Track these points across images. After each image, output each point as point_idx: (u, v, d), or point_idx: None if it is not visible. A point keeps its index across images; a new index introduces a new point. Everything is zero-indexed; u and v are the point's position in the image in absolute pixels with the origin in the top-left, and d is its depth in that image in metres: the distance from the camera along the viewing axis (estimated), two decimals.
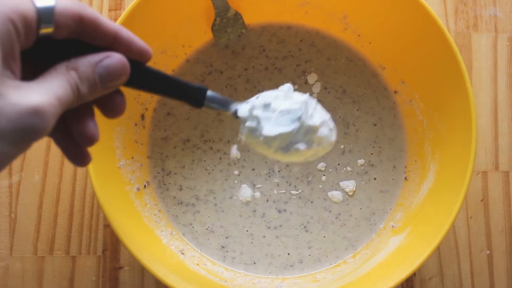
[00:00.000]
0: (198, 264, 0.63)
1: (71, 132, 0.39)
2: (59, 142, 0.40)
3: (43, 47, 0.35)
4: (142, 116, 0.67)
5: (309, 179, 0.68)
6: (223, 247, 0.65)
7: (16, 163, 0.67)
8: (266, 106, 0.46)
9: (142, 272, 0.66)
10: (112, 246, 0.66)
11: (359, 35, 0.69)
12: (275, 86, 0.70)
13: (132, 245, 0.55)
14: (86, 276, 0.66)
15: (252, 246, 0.66)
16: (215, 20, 0.66)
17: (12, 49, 0.32)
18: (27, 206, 0.67)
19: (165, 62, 0.67)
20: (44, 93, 0.33)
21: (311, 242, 0.66)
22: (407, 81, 0.68)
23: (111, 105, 0.40)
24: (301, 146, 0.46)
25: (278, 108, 0.45)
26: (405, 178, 0.68)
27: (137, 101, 0.66)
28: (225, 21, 0.67)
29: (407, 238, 0.62)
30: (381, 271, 0.60)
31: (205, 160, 0.68)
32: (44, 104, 0.32)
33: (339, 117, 0.69)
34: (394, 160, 0.68)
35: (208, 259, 0.65)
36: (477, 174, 0.70)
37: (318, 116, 0.46)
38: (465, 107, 0.59)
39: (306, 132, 0.45)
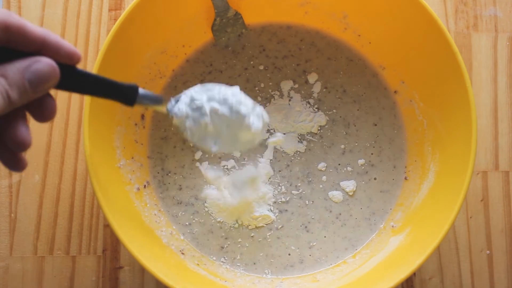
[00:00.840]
0: (198, 264, 0.63)
1: (2, 138, 0.39)
2: None
3: None
4: (142, 116, 0.67)
5: (310, 179, 0.68)
6: (222, 247, 0.65)
7: None
8: (197, 104, 0.49)
9: (142, 272, 0.66)
10: (112, 246, 0.66)
11: (359, 35, 0.69)
12: (275, 85, 0.70)
13: (132, 245, 0.55)
14: (86, 276, 0.66)
15: (252, 246, 0.66)
16: (215, 20, 0.66)
17: None
18: (27, 206, 0.67)
19: (165, 62, 0.67)
20: None
21: (312, 242, 0.66)
22: (407, 81, 0.68)
23: (42, 109, 0.40)
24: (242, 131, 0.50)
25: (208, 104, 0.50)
26: (405, 178, 0.68)
27: None
28: (225, 21, 0.67)
29: (407, 238, 0.62)
30: (381, 271, 0.60)
31: (204, 160, 0.68)
32: None
33: (340, 116, 0.69)
34: (394, 160, 0.68)
35: (208, 259, 0.65)
36: (477, 174, 0.70)
37: (246, 104, 0.51)
38: (465, 107, 0.59)
39: (239, 121, 0.49)
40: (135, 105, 0.45)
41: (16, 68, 0.36)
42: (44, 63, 0.37)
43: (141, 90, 0.45)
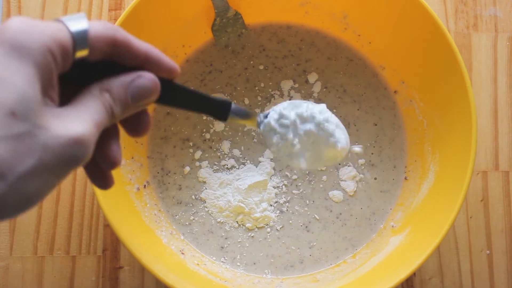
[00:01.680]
0: (198, 264, 0.63)
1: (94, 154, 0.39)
2: (86, 167, 0.40)
3: (76, 68, 0.36)
4: None
5: (310, 178, 0.68)
6: (222, 247, 0.65)
7: None
8: (285, 118, 0.49)
9: (142, 272, 0.66)
10: (112, 246, 0.66)
11: (359, 35, 0.69)
12: (275, 85, 0.70)
13: (132, 245, 0.55)
14: (86, 276, 0.66)
15: (252, 246, 0.66)
16: (215, 20, 0.66)
17: (51, 78, 0.32)
18: None
19: None
20: (83, 120, 0.33)
21: (312, 242, 0.66)
22: (407, 81, 0.68)
23: (138, 124, 0.40)
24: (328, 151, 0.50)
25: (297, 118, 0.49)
26: (405, 178, 0.68)
27: None
28: (225, 21, 0.67)
29: (407, 238, 0.62)
30: (381, 271, 0.60)
31: (204, 160, 0.68)
32: (85, 133, 0.32)
33: (340, 116, 0.69)
34: (394, 160, 0.68)
35: (208, 259, 0.65)
36: (477, 174, 0.70)
37: (333, 121, 0.51)
38: (465, 107, 0.59)
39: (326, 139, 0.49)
40: (228, 120, 0.45)
41: (120, 83, 0.36)
42: (147, 78, 0.37)
43: (233, 106, 0.45)
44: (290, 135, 0.49)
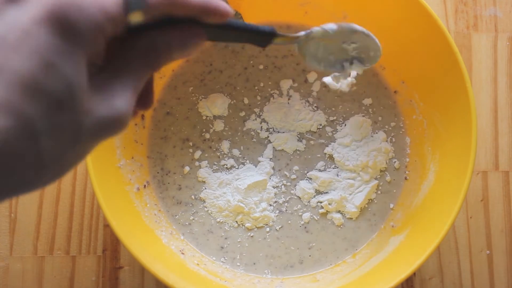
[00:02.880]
0: (198, 264, 0.63)
1: None
2: None
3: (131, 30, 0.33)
4: (142, 116, 0.67)
5: (310, 178, 0.68)
6: (222, 247, 0.65)
7: None
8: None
9: (142, 272, 0.66)
10: (112, 246, 0.66)
11: None
12: (275, 84, 0.70)
13: (132, 245, 0.55)
14: (86, 276, 0.66)
15: (252, 247, 0.66)
16: None
17: (99, 53, 0.30)
18: (27, 206, 0.67)
19: None
20: (125, 92, 0.31)
21: (312, 242, 0.66)
22: (407, 81, 0.68)
23: (147, 95, 0.38)
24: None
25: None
26: (405, 178, 0.68)
27: None
28: None
29: (407, 238, 0.62)
30: (381, 271, 0.60)
31: (204, 160, 0.68)
32: (126, 112, 0.31)
33: (340, 115, 0.69)
34: (395, 160, 0.68)
35: (208, 259, 0.65)
36: (477, 174, 0.70)
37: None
38: (465, 107, 0.59)
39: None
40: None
41: (167, 41, 0.34)
42: (198, 35, 0.35)
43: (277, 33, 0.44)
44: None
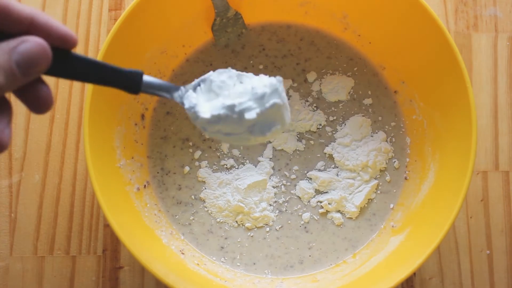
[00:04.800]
0: (198, 264, 0.63)
1: None
2: None
3: None
4: (142, 116, 0.67)
5: (309, 178, 0.68)
6: (222, 247, 0.65)
7: (16, 163, 0.67)
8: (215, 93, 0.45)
9: (142, 272, 0.66)
10: (112, 246, 0.66)
11: (359, 35, 0.69)
12: None
13: (132, 245, 0.55)
14: (86, 276, 0.66)
15: (252, 247, 0.66)
16: (215, 20, 0.66)
17: None
18: (27, 206, 0.67)
19: (165, 62, 0.67)
20: None
21: (312, 242, 0.66)
22: (407, 81, 0.68)
23: (37, 99, 0.37)
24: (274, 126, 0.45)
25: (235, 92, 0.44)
26: (405, 178, 0.68)
27: (137, 101, 0.66)
28: (225, 21, 0.67)
29: (407, 238, 0.62)
30: (381, 271, 0.60)
31: (204, 160, 0.68)
32: None
33: (339, 115, 0.69)
34: (395, 160, 0.68)
35: (208, 259, 0.65)
36: (477, 174, 0.70)
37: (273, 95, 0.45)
38: (465, 107, 0.59)
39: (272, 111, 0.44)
40: (140, 93, 0.42)
41: (2, 50, 0.33)
42: (33, 42, 0.34)
43: (146, 77, 0.41)
44: (229, 114, 0.43)
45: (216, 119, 0.43)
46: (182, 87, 0.45)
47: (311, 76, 0.70)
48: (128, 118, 0.65)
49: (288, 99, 0.69)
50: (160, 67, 0.67)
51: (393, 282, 0.56)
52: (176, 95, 0.44)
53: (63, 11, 0.71)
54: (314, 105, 0.69)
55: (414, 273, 0.67)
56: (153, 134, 0.68)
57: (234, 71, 0.45)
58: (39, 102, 0.37)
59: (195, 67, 0.69)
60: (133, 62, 0.63)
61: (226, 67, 0.69)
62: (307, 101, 0.69)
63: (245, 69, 0.70)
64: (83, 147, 0.58)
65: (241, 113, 0.43)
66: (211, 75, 0.45)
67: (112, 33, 0.58)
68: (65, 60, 0.37)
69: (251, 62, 0.70)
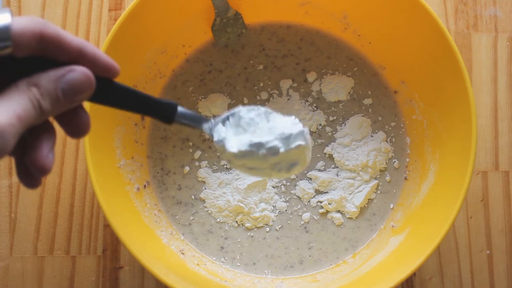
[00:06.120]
0: (198, 264, 0.63)
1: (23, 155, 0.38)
2: (18, 162, 0.39)
3: (4, 65, 0.35)
4: (142, 116, 0.67)
5: (309, 178, 0.68)
6: (222, 247, 0.65)
7: None
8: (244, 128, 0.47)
9: (142, 272, 0.66)
10: (112, 246, 0.66)
11: (359, 35, 0.69)
12: (274, 84, 0.70)
13: (132, 245, 0.55)
14: (86, 276, 0.66)
15: (252, 247, 0.66)
16: (215, 20, 0.66)
17: None
18: (27, 206, 0.67)
19: (165, 62, 0.67)
20: (4, 112, 0.32)
21: (311, 242, 0.66)
22: (407, 81, 0.68)
23: (76, 124, 0.39)
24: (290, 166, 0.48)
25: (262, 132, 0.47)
26: (405, 178, 0.68)
27: None
28: (225, 21, 0.67)
29: (407, 238, 0.62)
30: (381, 271, 0.60)
31: (204, 160, 0.68)
32: (4, 124, 0.32)
33: (339, 114, 0.69)
34: (395, 160, 0.68)
35: (208, 259, 0.65)
36: (477, 174, 0.70)
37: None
38: (465, 107, 0.59)
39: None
40: (174, 124, 0.44)
41: (50, 77, 0.35)
42: (80, 72, 0.36)
43: (180, 109, 0.43)
44: (256, 151, 0.46)
45: (243, 154, 0.46)
46: (212, 120, 0.47)
47: (311, 76, 0.70)
48: (128, 118, 0.65)
49: (288, 99, 0.69)
50: (160, 67, 0.67)
51: (393, 282, 0.56)
52: (206, 127, 0.46)
53: (63, 11, 0.71)
54: (314, 105, 0.69)
55: (414, 273, 0.67)
56: (153, 134, 0.68)
57: (263, 108, 0.48)
58: (77, 127, 0.40)
59: (195, 67, 0.69)
60: (133, 62, 0.63)
61: (226, 67, 0.69)
62: (307, 101, 0.69)
63: (245, 69, 0.70)
64: (83, 147, 0.58)
65: (267, 151, 0.46)
66: (240, 110, 0.47)
67: (112, 33, 0.58)
68: (107, 89, 0.39)
69: (251, 62, 0.70)
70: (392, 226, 0.65)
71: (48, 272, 0.66)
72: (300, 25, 0.70)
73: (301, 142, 0.46)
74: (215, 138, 0.46)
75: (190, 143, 0.68)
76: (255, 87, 0.69)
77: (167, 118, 0.43)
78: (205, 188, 0.67)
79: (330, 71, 0.70)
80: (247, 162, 0.47)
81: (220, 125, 0.47)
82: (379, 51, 0.69)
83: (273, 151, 0.46)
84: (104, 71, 0.39)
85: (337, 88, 0.69)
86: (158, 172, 0.67)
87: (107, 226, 0.67)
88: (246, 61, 0.70)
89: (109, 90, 0.39)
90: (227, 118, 0.47)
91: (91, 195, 0.67)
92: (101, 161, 0.58)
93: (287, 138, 0.46)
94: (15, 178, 0.67)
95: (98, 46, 0.70)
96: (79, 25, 0.71)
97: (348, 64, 0.70)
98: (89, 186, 0.68)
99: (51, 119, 0.39)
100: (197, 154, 0.68)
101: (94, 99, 0.39)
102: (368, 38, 0.69)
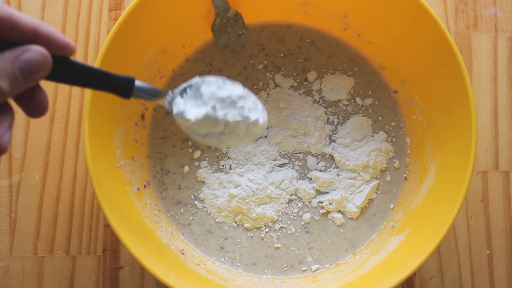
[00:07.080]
0: (198, 264, 0.63)
1: None
2: None
3: None
4: (142, 116, 0.67)
5: (310, 178, 0.68)
6: (222, 247, 0.65)
7: (16, 163, 0.67)
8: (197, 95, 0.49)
9: (142, 272, 0.66)
10: (112, 246, 0.66)
11: (359, 35, 0.69)
12: (275, 84, 0.70)
13: (132, 245, 0.55)
14: (86, 276, 0.66)
15: (252, 246, 0.66)
16: (215, 20, 0.66)
17: None
18: (27, 206, 0.67)
19: (165, 62, 0.67)
20: None
21: (312, 243, 0.66)
22: (407, 81, 0.68)
23: (34, 104, 0.40)
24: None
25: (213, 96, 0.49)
26: (405, 178, 0.68)
27: (137, 101, 0.66)
28: (225, 21, 0.67)
29: (407, 238, 0.62)
30: (381, 271, 0.60)
31: (203, 160, 0.68)
32: None
33: (339, 114, 0.69)
34: (395, 160, 0.68)
35: (208, 259, 0.65)
36: (477, 174, 0.70)
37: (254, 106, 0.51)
38: (465, 107, 0.59)
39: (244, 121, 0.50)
40: (132, 98, 0.45)
41: (6, 58, 0.36)
42: (35, 51, 0.37)
43: (137, 83, 0.45)
44: (212, 114, 0.48)
45: (202, 122, 0.48)
46: (170, 92, 0.48)
47: (311, 75, 0.70)
48: (128, 118, 0.65)
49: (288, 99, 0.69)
50: (160, 67, 0.67)
51: (393, 282, 0.56)
52: (165, 100, 0.48)
53: (63, 11, 0.71)
54: (315, 104, 0.69)
55: (414, 273, 0.67)
56: (153, 134, 0.68)
57: (220, 80, 0.50)
58: (36, 107, 0.40)
59: (195, 67, 0.69)
60: (133, 62, 0.63)
61: (226, 67, 0.69)
62: (307, 100, 0.69)
63: (244, 68, 0.70)
64: (83, 147, 0.58)
65: (226, 117, 0.48)
66: (198, 83, 0.49)
67: (112, 33, 0.58)
68: (64, 67, 0.40)
69: (251, 61, 0.70)
70: (392, 226, 0.65)
71: (48, 272, 0.66)
72: (300, 25, 0.70)
73: (257, 104, 0.50)
74: (175, 111, 0.48)
75: (190, 143, 0.68)
76: (255, 87, 0.69)
77: (125, 93, 0.44)
78: (205, 188, 0.67)
79: (330, 70, 0.70)
80: (205, 130, 0.49)
81: (178, 98, 0.48)
82: (379, 51, 0.69)
83: (228, 116, 0.48)
84: (60, 50, 0.39)
85: (337, 87, 0.69)
86: (158, 172, 0.67)
87: (107, 226, 0.67)
88: (246, 61, 0.70)
89: (66, 68, 0.40)
90: (185, 90, 0.49)
91: (91, 195, 0.67)
92: (101, 161, 0.58)
93: (240, 99, 0.49)
94: (15, 178, 0.67)
95: (98, 46, 0.71)
96: (79, 25, 0.71)
97: (349, 64, 0.70)
98: (89, 186, 0.68)
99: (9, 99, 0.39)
100: (197, 154, 0.68)
101: (51, 77, 0.40)
102: (368, 38, 0.69)
